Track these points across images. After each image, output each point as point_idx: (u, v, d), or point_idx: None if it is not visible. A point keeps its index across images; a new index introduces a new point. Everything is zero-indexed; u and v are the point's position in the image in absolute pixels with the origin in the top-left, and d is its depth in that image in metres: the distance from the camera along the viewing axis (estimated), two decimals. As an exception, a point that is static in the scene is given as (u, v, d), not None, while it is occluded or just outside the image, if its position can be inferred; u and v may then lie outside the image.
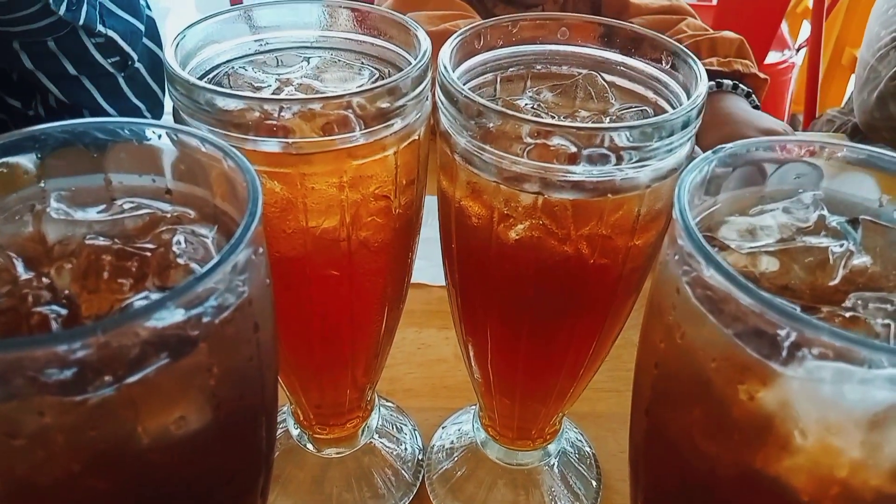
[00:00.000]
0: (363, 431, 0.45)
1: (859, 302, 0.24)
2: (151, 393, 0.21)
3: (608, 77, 0.36)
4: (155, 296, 0.22)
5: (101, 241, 0.25)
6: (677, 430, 0.26)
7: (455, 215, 0.35)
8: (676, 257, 0.24)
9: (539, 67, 0.38)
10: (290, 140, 0.29)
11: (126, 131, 0.27)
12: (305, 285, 0.35)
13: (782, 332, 0.21)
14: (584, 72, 0.36)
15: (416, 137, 0.33)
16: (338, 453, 0.45)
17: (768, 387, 0.22)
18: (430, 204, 0.71)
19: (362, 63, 0.36)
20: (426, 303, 0.63)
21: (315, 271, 0.34)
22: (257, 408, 0.26)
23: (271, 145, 0.30)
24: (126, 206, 0.27)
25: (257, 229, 0.23)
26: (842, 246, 0.26)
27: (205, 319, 0.21)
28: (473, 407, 0.48)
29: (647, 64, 0.36)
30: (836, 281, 0.25)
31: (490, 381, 0.40)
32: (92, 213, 0.26)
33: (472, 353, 0.40)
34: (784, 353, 0.21)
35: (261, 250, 0.24)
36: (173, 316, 0.20)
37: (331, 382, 0.40)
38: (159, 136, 0.27)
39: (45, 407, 0.19)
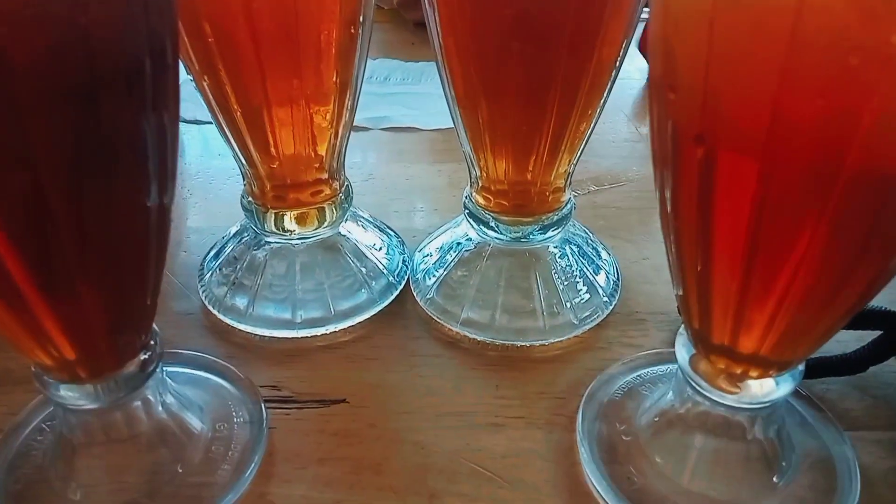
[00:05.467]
0: (334, 215, 0.38)
1: None
2: None
3: None
4: None
5: None
6: None
7: None
8: None
9: None
10: None
11: None
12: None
13: None
14: None
15: None
16: (301, 239, 0.38)
17: None
18: (427, 68, 0.66)
19: None
20: (416, 143, 0.56)
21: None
22: None
23: None
24: None
25: None
26: None
27: None
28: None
29: None
30: None
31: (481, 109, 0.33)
32: None
33: (458, 94, 0.33)
34: None
35: None
36: None
37: (282, 120, 0.33)
38: None
39: None
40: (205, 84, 0.32)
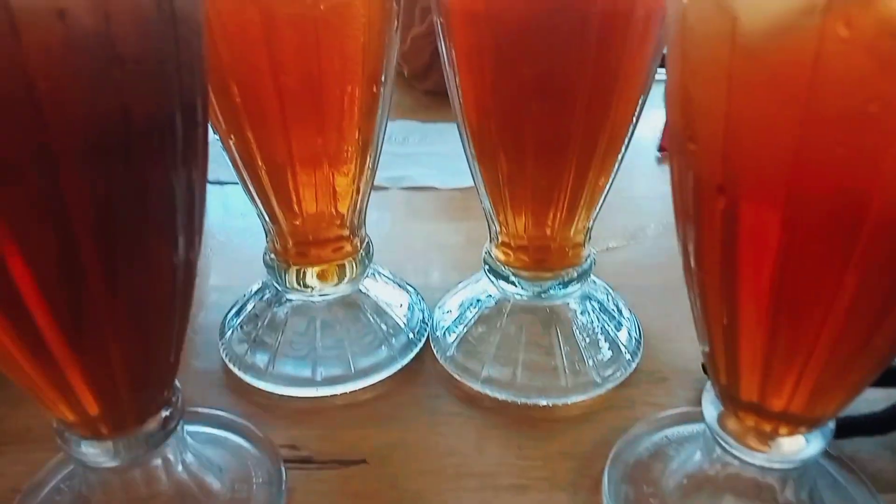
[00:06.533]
0: (354, 271, 0.38)
1: None
2: None
3: None
4: None
5: None
6: None
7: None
8: None
9: None
10: None
11: None
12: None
13: None
14: None
15: None
16: (322, 296, 0.38)
17: None
18: (445, 128, 0.66)
19: None
20: (433, 202, 0.57)
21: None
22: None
23: None
24: None
25: None
26: None
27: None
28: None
29: None
30: None
31: (500, 169, 0.33)
32: None
33: (478, 151, 0.34)
34: None
35: None
36: None
37: (305, 178, 0.33)
38: None
39: None
40: (231, 143, 0.33)
